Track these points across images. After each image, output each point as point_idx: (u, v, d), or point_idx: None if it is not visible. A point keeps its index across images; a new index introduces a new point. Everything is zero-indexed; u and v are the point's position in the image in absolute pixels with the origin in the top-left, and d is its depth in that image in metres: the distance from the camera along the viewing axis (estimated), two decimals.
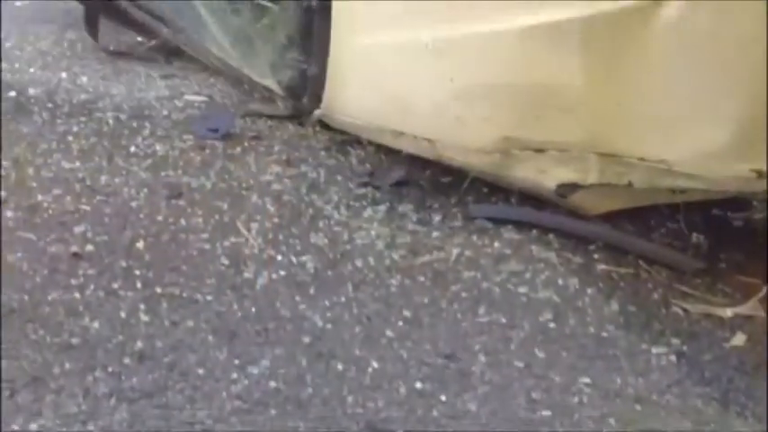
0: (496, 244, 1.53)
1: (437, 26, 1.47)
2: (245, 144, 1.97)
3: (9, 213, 1.51)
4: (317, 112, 1.98)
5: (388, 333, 1.24)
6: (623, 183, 1.45)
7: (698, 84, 1.21)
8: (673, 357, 1.22)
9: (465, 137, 1.57)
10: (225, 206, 1.62)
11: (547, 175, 1.54)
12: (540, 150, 1.50)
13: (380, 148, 1.92)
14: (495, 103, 1.48)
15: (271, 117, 2.16)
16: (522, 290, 1.37)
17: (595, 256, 1.50)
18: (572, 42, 1.31)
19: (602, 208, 1.59)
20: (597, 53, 1.30)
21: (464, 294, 1.36)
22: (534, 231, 1.57)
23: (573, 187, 1.53)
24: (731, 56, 1.18)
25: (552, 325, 1.28)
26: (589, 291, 1.38)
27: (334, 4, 1.72)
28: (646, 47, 1.24)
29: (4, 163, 1.73)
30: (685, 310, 1.34)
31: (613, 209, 1.58)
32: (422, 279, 1.40)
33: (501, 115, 1.48)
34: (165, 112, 2.17)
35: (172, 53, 2.71)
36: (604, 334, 1.27)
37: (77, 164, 1.76)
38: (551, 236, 1.56)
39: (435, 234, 1.56)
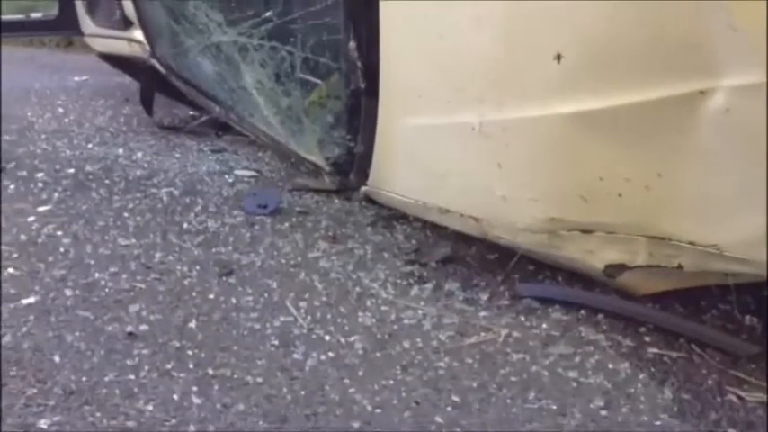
0: (544, 325, 1.52)
1: (485, 110, 1.50)
2: (293, 219, 2.02)
3: (68, 292, 1.56)
4: (363, 189, 2.03)
5: (438, 419, 1.23)
6: (673, 265, 1.44)
7: (747, 170, 1.21)
8: None
9: (511, 216, 1.58)
10: (274, 284, 1.65)
11: (594, 256, 1.53)
12: (587, 231, 1.50)
13: (426, 223, 1.94)
14: (542, 185, 1.49)
15: (317, 191, 2.21)
16: (571, 374, 1.36)
17: (646, 338, 1.47)
18: (620, 129, 1.33)
19: (652, 288, 1.57)
20: (645, 140, 1.31)
21: (513, 378, 1.34)
22: (582, 311, 1.56)
23: (621, 268, 1.52)
24: None
25: (604, 412, 1.26)
26: (641, 376, 1.35)
27: (382, 86, 1.77)
28: (694, 134, 1.24)
29: (64, 240, 1.80)
30: (741, 398, 1.31)
31: (663, 289, 1.57)
32: (470, 361, 1.39)
33: (548, 197, 1.49)
34: (216, 188, 2.24)
35: (222, 127, 2.82)
36: (658, 423, 1.24)
37: (133, 240, 1.82)
38: (600, 316, 1.55)
39: (483, 314, 1.56)
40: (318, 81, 2.08)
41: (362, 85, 1.83)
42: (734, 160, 1.22)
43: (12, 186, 2.14)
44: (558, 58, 1.33)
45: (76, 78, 3.87)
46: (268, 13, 2.00)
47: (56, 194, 2.10)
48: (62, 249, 1.75)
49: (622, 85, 1.28)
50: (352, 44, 1.80)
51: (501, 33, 1.43)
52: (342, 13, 1.81)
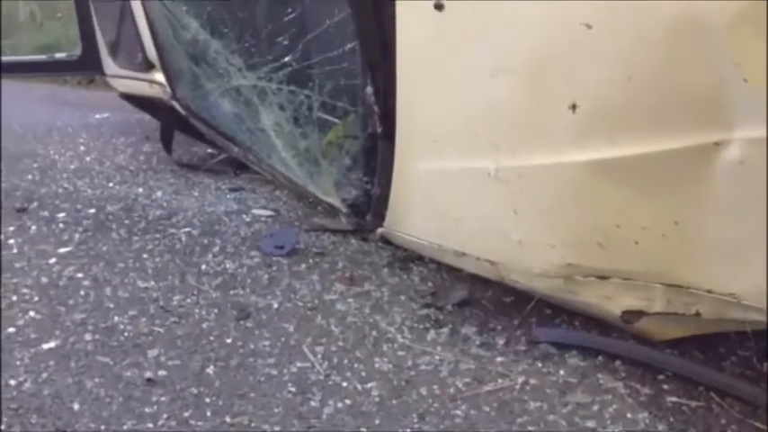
0: (562, 371, 1.51)
1: (500, 156, 1.51)
2: (310, 261, 2.03)
3: (88, 336, 1.58)
4: (379, 230, 2.04)
5: None
6: (691, 312, 1.43)
7: (763, 220, 1.21)
8: None
9: (528, 261, 1.58)
10: (291, 328, 1.66)
11: (611, 302, 1.53)
12: (604, 277, 1.50)
13: (442, 265, 1.95)
14: (559, 231, 1.50)
15: (334, 232, 2.23)
16: (590, 424, 1.35)
17: (665, 386, 1.46)
18: (636, 177, 1.33)
19: (670, 334, 1.56)
20: (661, 188, 1.32)
21: (531, 428, 1.34)
22: (600, 357, 1.56)
23: (638, 314, 1.52)
24: None
25: None
26: (660, 426, 1.34)
27: (398, 130, 1.79)
28: (710, 184, 1.25)
29: (84, 283, 1.82)
30: None
31: (681, 335, 1.56)
32: (487, 410, 1.39)
33: (564, 243, 1.50)
34: (234, 228, 2.26)
35: (240, 165, 2.85)
36: None
37: (152, 283, 1.84)
38: (618, 363, 1.54)
39: (499, 359, 1.56)
40: (336, 120, 2.10)
41: (379, 130, 1.85)
42: (750, 210, 1.22)
43: (33, 227, 2.17)
44: (573, 107, 1.34)
45: (98, 116, 3.93)
46: (287, 59, 2.04)
47: (77, 235, 2.13)
48: (82, 292, 1.77)
49: (637, 135, 1.29)
50: (369, 89, 1.83)
51: (516, 82, 1.44)
52: (360, 59, 1.83)
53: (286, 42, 2.03)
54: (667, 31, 1.20)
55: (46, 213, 2.29)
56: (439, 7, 1.54)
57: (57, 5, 4.62)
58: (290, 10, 2.01)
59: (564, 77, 1.36)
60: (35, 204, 2.36)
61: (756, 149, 1.16)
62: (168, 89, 2.71)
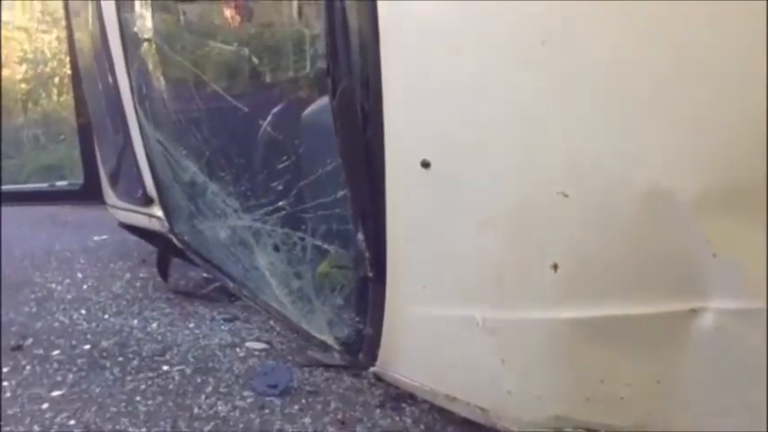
0: None
1: (487, 307, 1.56)
2: (303, 401, 2.03)
3: None
4: (372, 369, 2.05)
5: None
6: None
7: (743, 385, 1.25)
8: None
9: (517, 410, 1.60)
10: None
11: None
12: (592, 430, 1.51)
13: (434, 405, 1.95)
14: (546, 383, 1.52)
15: (327, 367, 2.24)
16: None
17: None
18: (617, 337, 1.37)
19: None
20: (642, 348, 1.36)
21: None
22: None
23: None
24: None
25: None
26: None
27: (389, 275, 1.84)
28: (688, 347, 1.29)
29: (75, 431, 1.82)
30: None
31: None
32: None
33: (551, 395, 1.52)
34: (228, 363, 2.27)
35: (234, 294, 2.88)
36: None
37: (143, 430, 1.84)
38: None
39: None
40: (329, 248, 2.16)
41: (370, 274, 1.89)
42: (727, 375, 1.26)
43: (28, 367, 2.19)
44: (555, 267, 1.40)
45: (96, 238, 3.99)
46: (281, 203, 2.12)
47: (70, 375, 2.13)
48: None
49: (617, 298, 1.35)
50: (360, 236, 1.89)
51: (500, 238, 1.50)
52: (351, 206, 1.90)
53: (281, 187, 2.12)
54: (638, 203, 1.27)
55: (41, 351, 2.31)
56: (425, 165, 1.62)
57: (60, 128, 4.78)
58: (284, 158, 2.10)
59: (544, 239, 1.42)
60: (30, 341, 2.37)
61: (730, 319, 1.21)
62: (166, 223, 2.79)
